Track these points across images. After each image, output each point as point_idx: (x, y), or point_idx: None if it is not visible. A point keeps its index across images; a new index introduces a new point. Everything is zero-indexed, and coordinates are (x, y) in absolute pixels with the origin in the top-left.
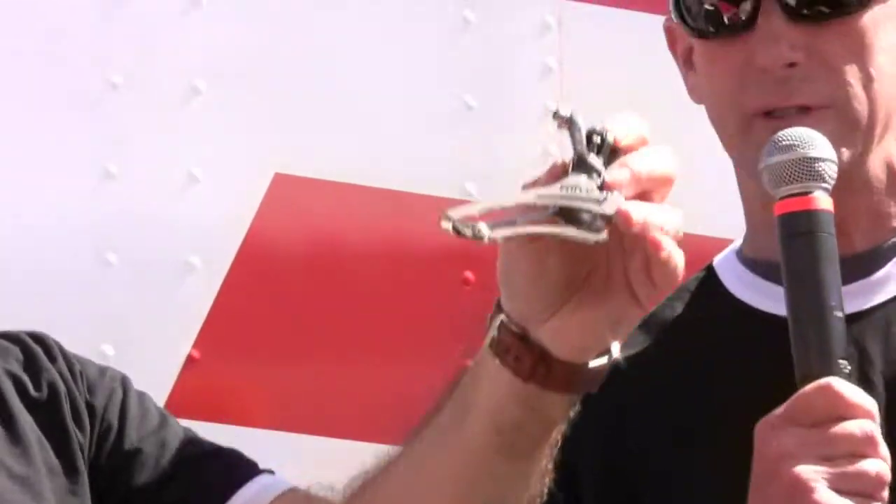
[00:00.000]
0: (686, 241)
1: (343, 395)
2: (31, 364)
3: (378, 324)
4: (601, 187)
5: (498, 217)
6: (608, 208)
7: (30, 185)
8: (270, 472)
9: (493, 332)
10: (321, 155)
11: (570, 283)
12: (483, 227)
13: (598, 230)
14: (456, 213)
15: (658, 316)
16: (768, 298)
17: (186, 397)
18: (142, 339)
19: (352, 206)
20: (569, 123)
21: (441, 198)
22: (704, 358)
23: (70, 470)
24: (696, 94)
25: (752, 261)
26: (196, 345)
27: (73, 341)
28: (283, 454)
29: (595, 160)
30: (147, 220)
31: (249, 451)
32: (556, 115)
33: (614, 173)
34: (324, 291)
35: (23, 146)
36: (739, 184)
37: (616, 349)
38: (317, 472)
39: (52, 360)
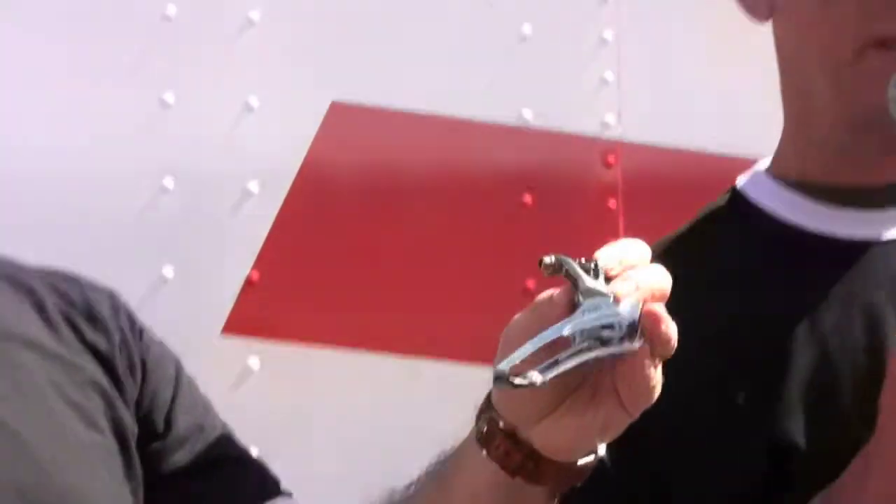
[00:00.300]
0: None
1: (401, 317)
2: (89, 309)
3: (436, 248)
4: (615, 302)
5: (537, 359)
6: (634, 315)
7: (89, 115)
8: (290, 494)
9: (482, 426)
10: (378, 83)
11: (562, 391)
12: (535, 375)
13: (633, 339)
14: (504, 369)
15: (686, 242)
16: (816, 218)
17: (245, 318)
18: (201, 263)
19: (408, 133)
20: (558, 264)
21: (498, 125)
22: (746, 282)
23: (119, 424)
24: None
25: (795, 182)
26: (255, 267)
27: (135, 266)
28: (339, 371)
29: (599, 283)
30: (204, 147)
31: (308, 369)
32: (541, 263)
33: (618, 286)
34: (380, 217)
35: (80, 78)
36: (792, 105)
37: (602, 449)
38: (372, 389)
39: (115, 310)
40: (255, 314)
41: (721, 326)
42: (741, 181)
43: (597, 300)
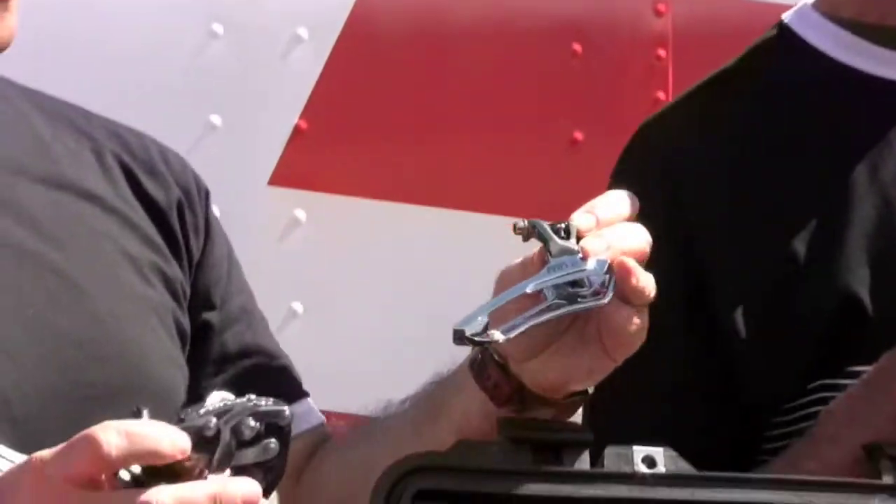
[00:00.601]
0: None
1: (449, 167)
2: (151, 163)
3: (484, 98)
4: (583, 259)
5: (501, 316)
6: (600, 270)
7: None
8: (307, 395)
9: (475, 354)
10: None
11: (552, 335)
12: (497, 334)
13: (601, 295)
14: (462, 328)
15: (730, 81)
16: (873, 60)
17: (293, 167)
18: (249, 110)
19: None
20: (531, 227)
21: None
22: (796, 125)
23: (171, 283)
24: None
25: (849, 21)
26: (303, 116)
27: (181, 112)
28: (386, 224)
29: (568, 242)
30: None
31: (355, 221)
32: (515, 227)
33: (588, 243)
34: (430, 66)
35: None
36: None
37: (590, 389)
38: (419, 242)
39: (182, 167)
40: (303, 165)
41: (774, 175)
42: (788, 16)
43: (563, 258)
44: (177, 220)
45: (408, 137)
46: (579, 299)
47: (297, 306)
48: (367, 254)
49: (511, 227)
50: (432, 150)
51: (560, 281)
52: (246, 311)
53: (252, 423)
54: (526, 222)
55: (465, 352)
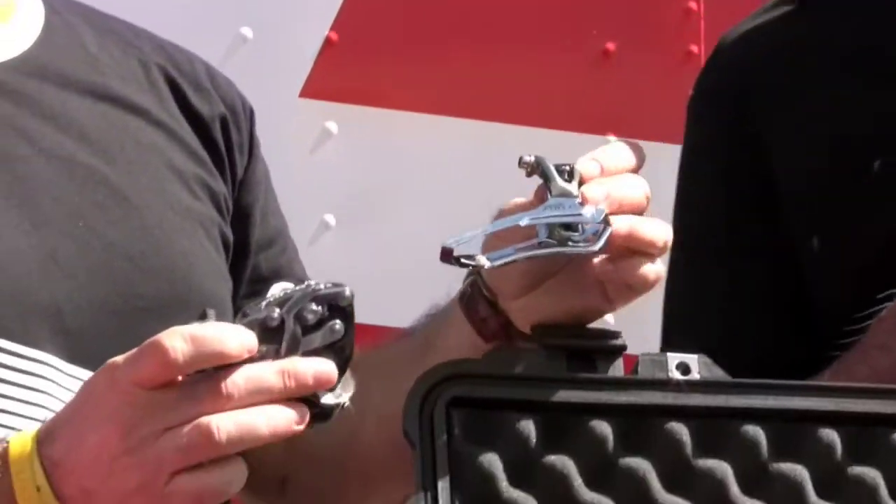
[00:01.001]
0: None
1: (481, 79)
2: (196, 77)
3: (518, 7)
4: (581, 204)
5: (493, 245)
6: (596, 218)
7: None
8: None
9: (466, 287)
10: None
11: (545, 272)
12: (483, 259)
13: (591, 242)
14: (454, 246)
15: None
16: None
17: (324, 80)
18: (280, 22)
19: None
20: (536, 163)
21: None
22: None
23: (215, 196)
24: None
25: None
26: (334, 28)
27: (212, 24)
28: (418, 136)
29: (570, 185)
30: None
31: (387, 134)
32: (520, 162)
33: (588, 190)
34: None
35: None
36: None
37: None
38: (451, 154)
39: (228, 85)
40: (334, 77)
41: (853, 91)
42: None
43: (562, 199)
44: (221, 135)
45: (439, 49)
46: (570, 243)
47: (330, 219)
48: (399, 166)
49: (517, 162)
50: (464, 62)
51: (554, 220)
52: (282, 234)
53: (314, 307)
54: (532, 157)
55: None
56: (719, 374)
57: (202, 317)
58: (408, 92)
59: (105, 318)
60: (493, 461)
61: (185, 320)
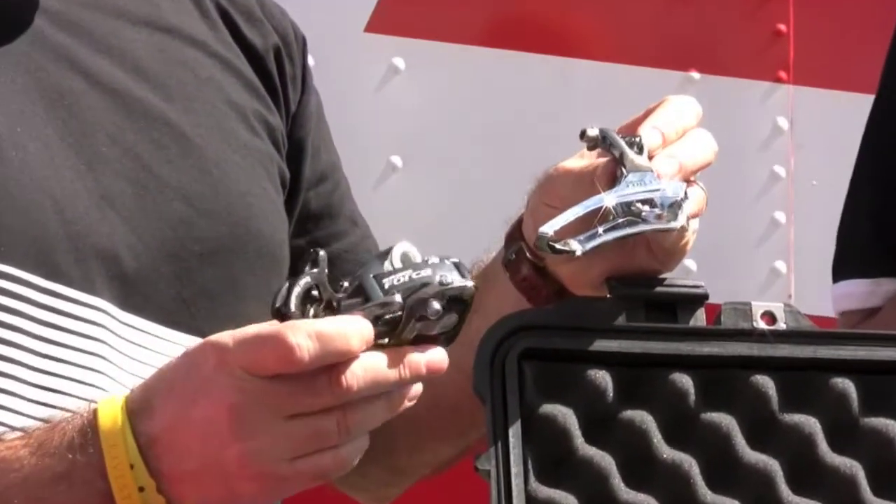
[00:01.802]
0: None
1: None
2: (249, 7)
3: None
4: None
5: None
6: (678, 194)
7: None
8: None
9: (510, 254)
10: None
11: None
12: (575, 244)
13: (674, 217)
14: (548, 231)
15: None
16: None
17: (391, 14)
18: None
19: None
20: (602, 137)
21: None
22: None
23: (272, 132)
24: None
25: None
26: None
27: None
28: (487, 72)
29: (643, 159)
30: None
31: (455, 70)
32: (583, 135)
33: (663, 165)
34: None
35: None
36: None
37: None
38: (522, 91)
39: (282, 14)
40: (401, 10)
41: None
42: None
43: (643, 174)
44: (275, 67)
45: None
46: (643, 216)
47: (396, 160)
48: (469, 104)
49: (580, 133)
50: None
51: (639, 197)
52: (334, 169)
53: (437, 305)
54: (597, 131)
55: (500, 240)
56: (806, 323)
57: (313, 263)
58: (477, 26)
59: (161, 264)
60: (567, 416)
61: (244, 265)
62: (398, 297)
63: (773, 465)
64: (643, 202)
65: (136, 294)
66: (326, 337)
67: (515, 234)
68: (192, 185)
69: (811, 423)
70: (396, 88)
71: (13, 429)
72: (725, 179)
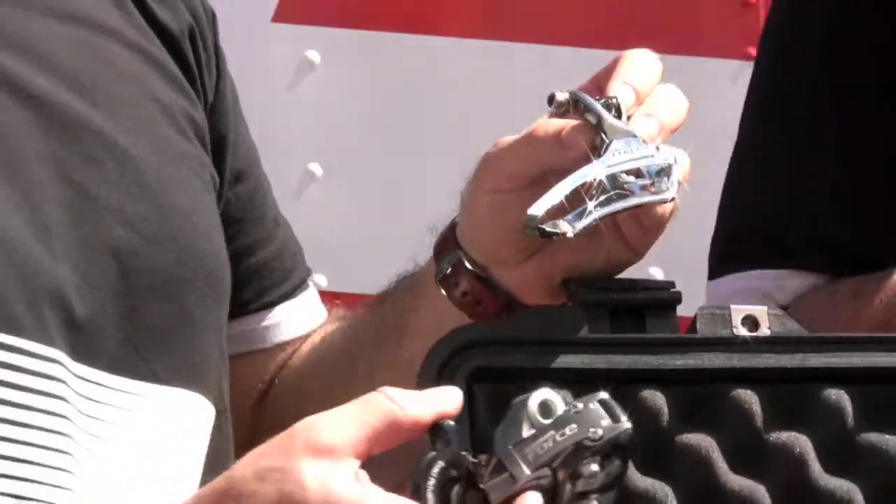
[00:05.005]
0: None
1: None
2: None
3: None
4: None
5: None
6: (669, 159)
7: None
8: (309, 272)
9: (445, 268)
10: None
11: None
12: (565, 225)
13: (666, 189)
14: (537, 213)
15: None
16: None
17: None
18: None
19: None
20: (575, 100)
21: None
22: None
23: (199, 130)
24: None
25: None
26: None
27: None
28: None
29: (623, 123)
30: None
31: (376, 60)
32: (552, 100)
33: (645, 127)
34: None
35: None
36: None
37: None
38: (448, 76)
39: None
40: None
41: None
42: None
43: (628, 140)
44: (191, 52)
45: None
46: (628, 187)
47: (315, 168)
48: (393, 100)
49: (548, 98)
50: None
51: (630, 166)
52: (254, 163)
53: (594, 467)
54: (567, 94)
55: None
56: (793, 327)
57: (439, 435)
58: (399, 9)
59: (107, 304)
60: None
61: (195, 296)
62: (547, 472)
63: (760, 492)
64: (628, 172)
65: (84, 341)
66: None
67: (449, 244)
68: (134, 205)
69: (802, 442)
70: (312, 86)
71: None
72: (695, 168)
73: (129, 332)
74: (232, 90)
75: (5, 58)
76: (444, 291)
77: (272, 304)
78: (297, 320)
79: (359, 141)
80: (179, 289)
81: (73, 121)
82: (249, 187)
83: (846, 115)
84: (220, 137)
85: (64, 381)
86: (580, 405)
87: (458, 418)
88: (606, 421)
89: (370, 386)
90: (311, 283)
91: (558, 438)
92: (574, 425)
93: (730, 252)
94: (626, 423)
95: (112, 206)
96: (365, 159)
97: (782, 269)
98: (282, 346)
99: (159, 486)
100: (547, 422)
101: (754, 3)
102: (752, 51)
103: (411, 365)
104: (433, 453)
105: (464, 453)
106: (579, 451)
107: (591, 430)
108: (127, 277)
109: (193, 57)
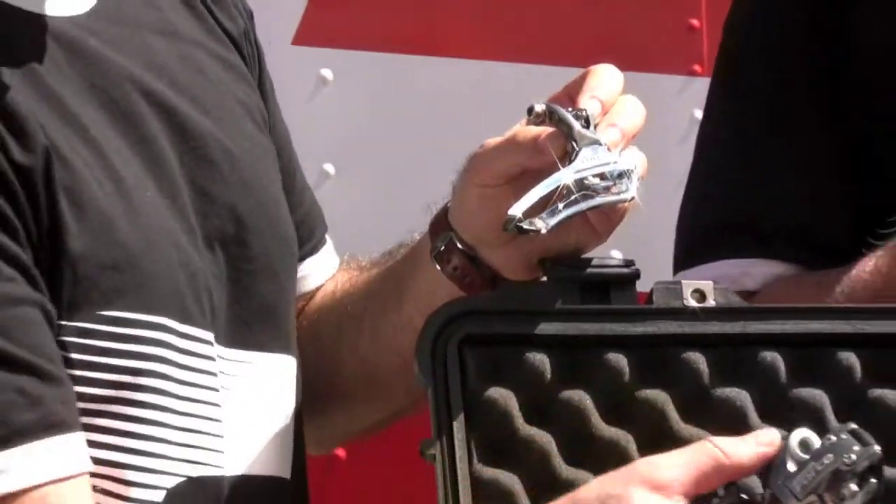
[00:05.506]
0: None
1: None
2: None
3: None
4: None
5: (539, 206)
6: (631, 164)
7: None
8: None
9: (439, 246)
10: None
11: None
12: (539, 223)
13: (626, 189)
14: (517, 213)
15: None
16: None
17: (316, 26)
18: None
19: None
20: (549, 112)
21: None
22: None
23: (265, 118)
24: None
25: None
26: None
27: None
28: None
29: (591, 132)
30: None
31: (384, 79)
32: (531, 112)
33: (609, 136)
34: None
35: None
36: None
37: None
38: (451, 96)
39: None
40: (327, 22)
41: None
42: None
43: (595, 147)
44: (246, 50)
45: None
46: (593, 188)
47: (329, 168)
48: (397, 111)
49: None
50: (458, 1)
51: (595, 171)
52: (288, 139)
53: (853, 486)
54: (544, 106)
55: (425, 221)
56: (735, 300)
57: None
58: (402, 34)
59: (226, 290)
60: (508, 399)
61: (286, 277)
62: (814, 497)
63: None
64: (594, 175)
65: (220, 324)
66: None
67: (442, 225)
68: (241, 202)
69: (742, 396)
70: (326, 98)
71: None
72: (649, 168)
73: (240, 312)
74: (270, 79)
75: (142, 74)
76: (437, 266)
77: (302, 259)
78: (319, 272)
79: (367, 145)
80: (276, 269)
81: (192, 128)
82: (286, 160)
83: (800, 114)
84: (268, 119)
85: (213, 359)
86: (833, 437)
87: (452, 380)
88: (858, 447)
89: (373, 341)
90: (327, 237)
91: (818, 468)
92: (830, 455)
93: (697, 243)
94: (875, 447)
95: (226, 203)
96: (373, 160)
97: (750, 257)
98: (304, 295)
99: (277, 424)
100: (807, 457)
101: (699, 28)
102: (697, 68)
103: (410, 324)
104: (722, 491)
105: (743, 496)
106: (838, 476)
107: (846, 456)
108: (238, 265)
109: (249, 54)
